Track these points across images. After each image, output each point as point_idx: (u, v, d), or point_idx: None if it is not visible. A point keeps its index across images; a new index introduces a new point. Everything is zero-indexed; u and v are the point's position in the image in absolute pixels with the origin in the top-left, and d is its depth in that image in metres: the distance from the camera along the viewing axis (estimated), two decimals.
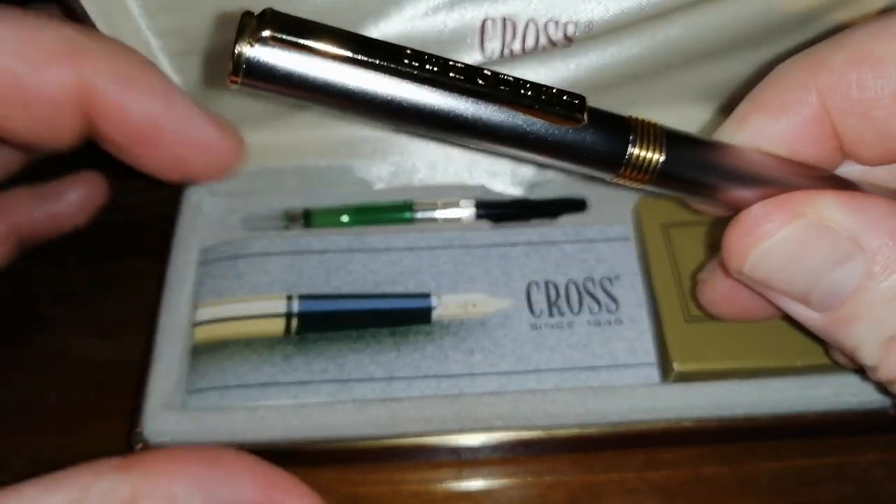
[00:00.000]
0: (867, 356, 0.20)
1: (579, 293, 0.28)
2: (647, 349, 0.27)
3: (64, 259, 0.31)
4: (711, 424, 0.26)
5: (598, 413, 0.25)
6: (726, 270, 0.21)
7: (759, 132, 0.21)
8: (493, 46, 0.26)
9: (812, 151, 0.21)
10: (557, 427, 0.25)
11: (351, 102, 0.17)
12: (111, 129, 0.20)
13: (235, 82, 0.17)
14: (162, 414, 0.25)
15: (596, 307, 0.28)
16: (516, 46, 0.26)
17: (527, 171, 0.30)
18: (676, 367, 0.25)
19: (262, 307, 0.27)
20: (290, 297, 0.28)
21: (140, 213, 0.32)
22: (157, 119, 0.20)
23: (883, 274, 0.19)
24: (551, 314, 0.28)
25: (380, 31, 0.25)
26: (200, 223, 0.30)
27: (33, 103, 0.20)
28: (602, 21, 0.25)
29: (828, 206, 0.19)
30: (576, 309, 0.28)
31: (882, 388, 0.21)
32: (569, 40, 0.25)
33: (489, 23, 0.25)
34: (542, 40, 0.25)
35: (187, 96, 0.21)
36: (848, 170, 0.22)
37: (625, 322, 0.27)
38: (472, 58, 0.26)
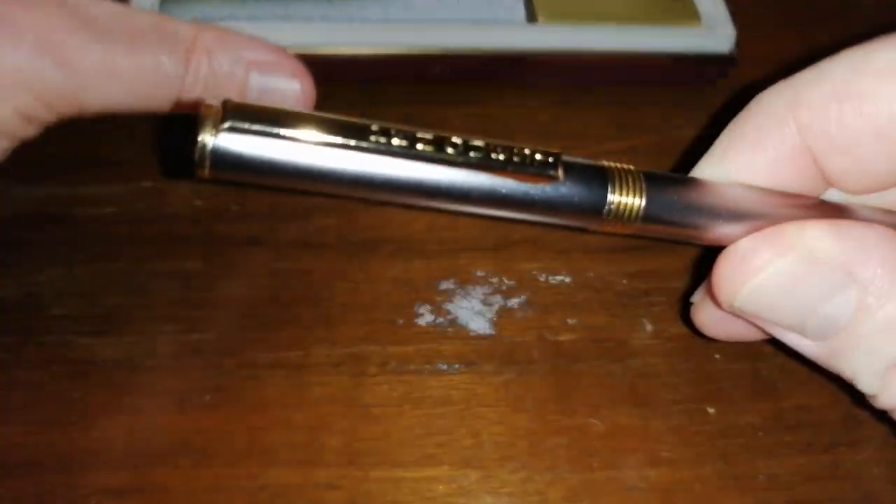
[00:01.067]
0: (866, 385, 0.20)
1: None
2: (517, 7, 0.34)
3: (68, 258, 0.31)
4: (573, 58, 0.33)
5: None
6: (717, 302, 0.21)
7: (740, 167, 0.21)
8: None
9: (795, 183, 0.21)
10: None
11: (323, 182, 0.18)
12: None
13: (203, 175, 0.17)
14: None
15: None
16: None
17: None
18: (541, 20, 0.33)
19: None
20: None
21: (146, 212, 0.32)
22: None
23: (877, 304, 0.19)
24: None
25: None
26: None
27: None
28: None
29: (817, 238, 0.19)
30: None
31: (882, 414, 0.21)
32: None
33: None
34: None
35: None
36: (834, 195, 0.22)
37: None
38: None
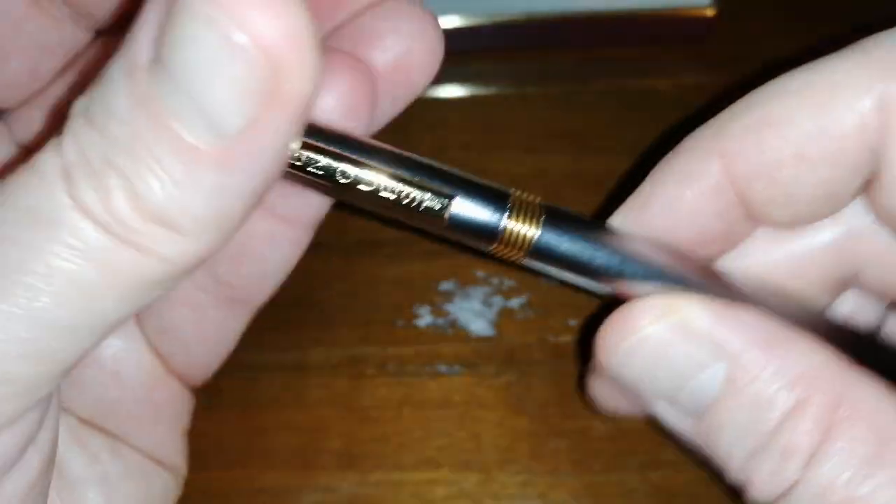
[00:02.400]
0: (736, 472, 0.19)
1: None
2: None
3: None
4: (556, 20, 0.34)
5: None
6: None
7: (667, 205, 0.22)
8: None
9: (718, 222, 0.21)
10: None
11: None
12: None
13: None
14: None
15: None
16: None
17: None
18: None
19: None
20: None
21: None
22: None
23: (744, 380, 0.19)
24: None
25: None
26: None
27: None
28: None
29: (694, 310, 0.19)
30: None
31: None
32: None
33: None
34: None
35: None
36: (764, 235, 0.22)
37: None
38: None
